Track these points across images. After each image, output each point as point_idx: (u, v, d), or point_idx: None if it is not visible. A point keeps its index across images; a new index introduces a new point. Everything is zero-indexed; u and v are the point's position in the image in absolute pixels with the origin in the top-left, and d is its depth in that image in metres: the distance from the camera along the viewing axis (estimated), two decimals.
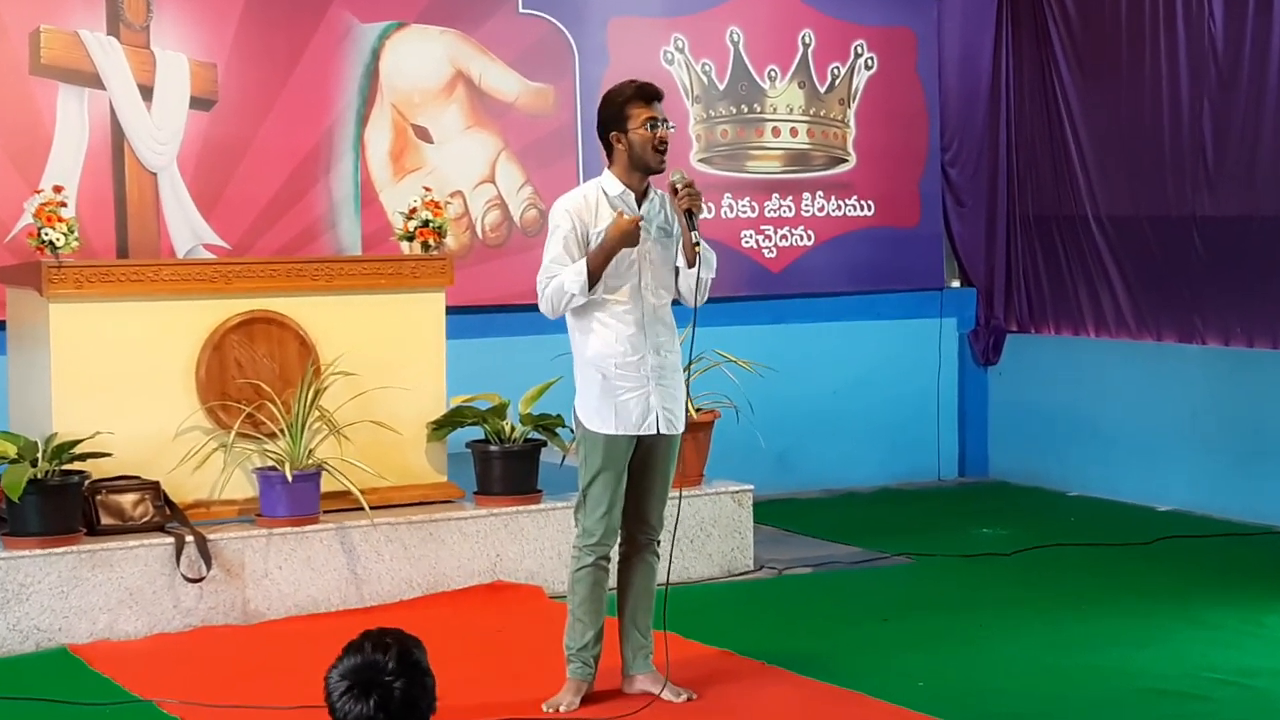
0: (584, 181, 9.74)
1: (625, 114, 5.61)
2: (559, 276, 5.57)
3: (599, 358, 5.65)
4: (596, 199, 5.66)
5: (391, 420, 7.54)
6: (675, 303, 5.88)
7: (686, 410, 7.87)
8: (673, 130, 5.67)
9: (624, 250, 5.57)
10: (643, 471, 5.74)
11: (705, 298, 5.71)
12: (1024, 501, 10.27)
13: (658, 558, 5.90)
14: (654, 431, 5.66)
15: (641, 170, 5.64)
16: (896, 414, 10.85)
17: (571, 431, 7.91)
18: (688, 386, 8.05)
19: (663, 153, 5.60)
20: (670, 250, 5.71)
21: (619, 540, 5.86)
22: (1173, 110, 9.95)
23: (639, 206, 5.64)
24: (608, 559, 5.78)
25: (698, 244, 5.55)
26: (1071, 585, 7.82)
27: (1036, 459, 10.72)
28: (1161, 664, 6.44)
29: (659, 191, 5.77)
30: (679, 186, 5.57)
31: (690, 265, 5.62)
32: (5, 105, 8.56)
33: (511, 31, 9.69)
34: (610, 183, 5.69)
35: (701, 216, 5.68)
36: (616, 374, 5.62)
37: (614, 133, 5.65)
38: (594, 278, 5.54)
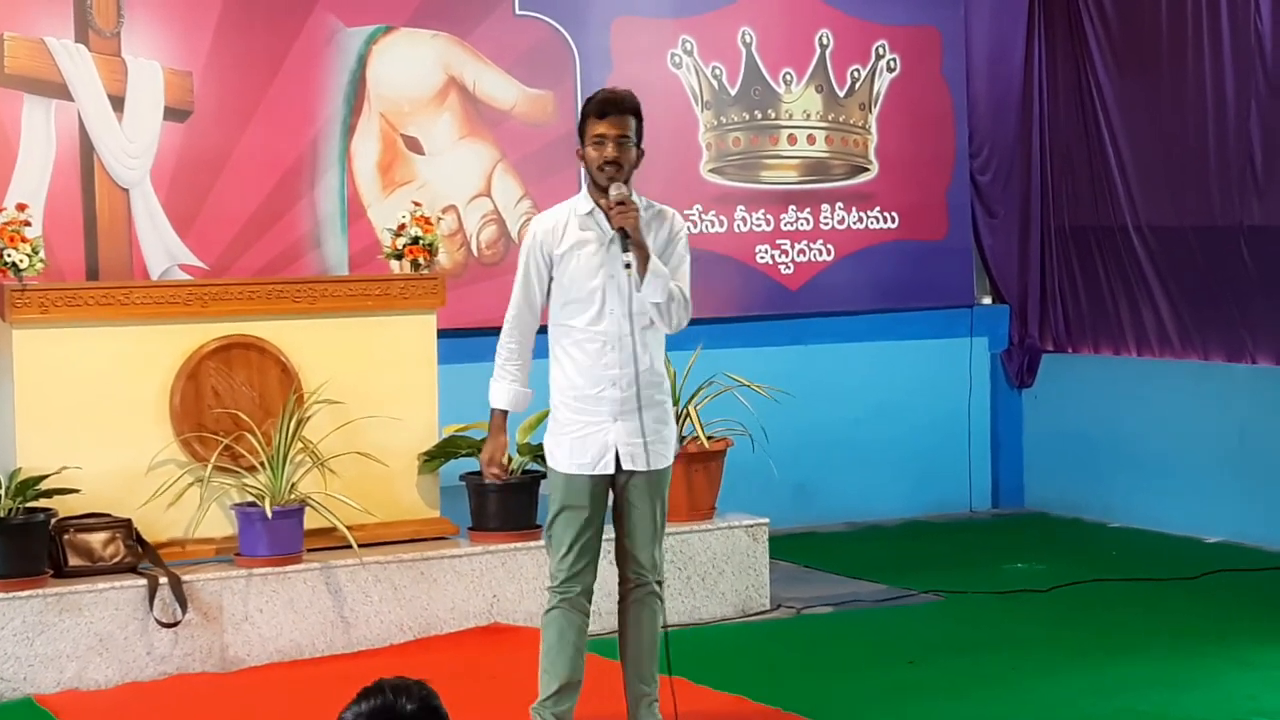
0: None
1: (584, 127, 5.66)
2: (496, 364, 5.85)
3: (556, 390, 5.72)
4: (567, 219, 5.69)
5: (380, 452, 7.53)
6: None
7: (697, 439, 7.99)
8: (635, 149, 5.61)
9: (588, 272, 5.61)
10: (622, 510, 5.74)
11: (680, 321, 5.70)
12: (1062, 534, 10.24)
13: (658, 598, 5.83)
14: (610, 471, 5.65)
15: (599, 186, 5.63)
16: (924, 441, 10.82)
17: None
18: (694, 414, 8.06)
19: (611, 173, 5.56)
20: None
21: (619, 582, 5.85)
22: (1218, 113, 9.93)
23: (611, 225, 5.59)
24: (575, 603, 5.71)
25: (629, 266, 5.51)
26: (1112, 623, 7.79)
27: (1075, 488, 10.69)
28: (1207, 708, 6.39)
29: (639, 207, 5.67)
30: (611, 204, 5.53)
31: (638, 288, 5.59)
32: None
33: (508, 34, 9.70)
34: (582, 201, 5.72)
35: (692, 242, 5.68)
36: (574, 406, 5.66)
37: (578, 147, 5.70)
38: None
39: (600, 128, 5.57)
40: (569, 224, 5.66)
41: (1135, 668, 6.97)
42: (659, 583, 5.84)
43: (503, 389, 5.83)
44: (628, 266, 5.51)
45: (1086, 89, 10.72)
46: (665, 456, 5.75)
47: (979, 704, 6.50)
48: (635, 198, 5.59)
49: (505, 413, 5.86)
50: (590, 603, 5.79)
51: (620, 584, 5.86)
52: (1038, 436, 11.07)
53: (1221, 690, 6.63)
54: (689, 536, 7.97)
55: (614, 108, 5.60)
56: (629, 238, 5.50)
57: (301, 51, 9.23)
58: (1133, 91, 10.47)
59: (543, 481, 7.68)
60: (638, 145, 5.63)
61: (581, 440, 5.63)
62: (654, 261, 5.56)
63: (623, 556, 5.80)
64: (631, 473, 5.66)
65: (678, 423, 8.07)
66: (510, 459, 5.77)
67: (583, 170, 5.88)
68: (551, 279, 5.70)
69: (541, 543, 7.52)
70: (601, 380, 5.61)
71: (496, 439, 5.87)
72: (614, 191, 5.53)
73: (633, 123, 5.61)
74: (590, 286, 5.61)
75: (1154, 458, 10.19)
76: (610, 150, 5.54)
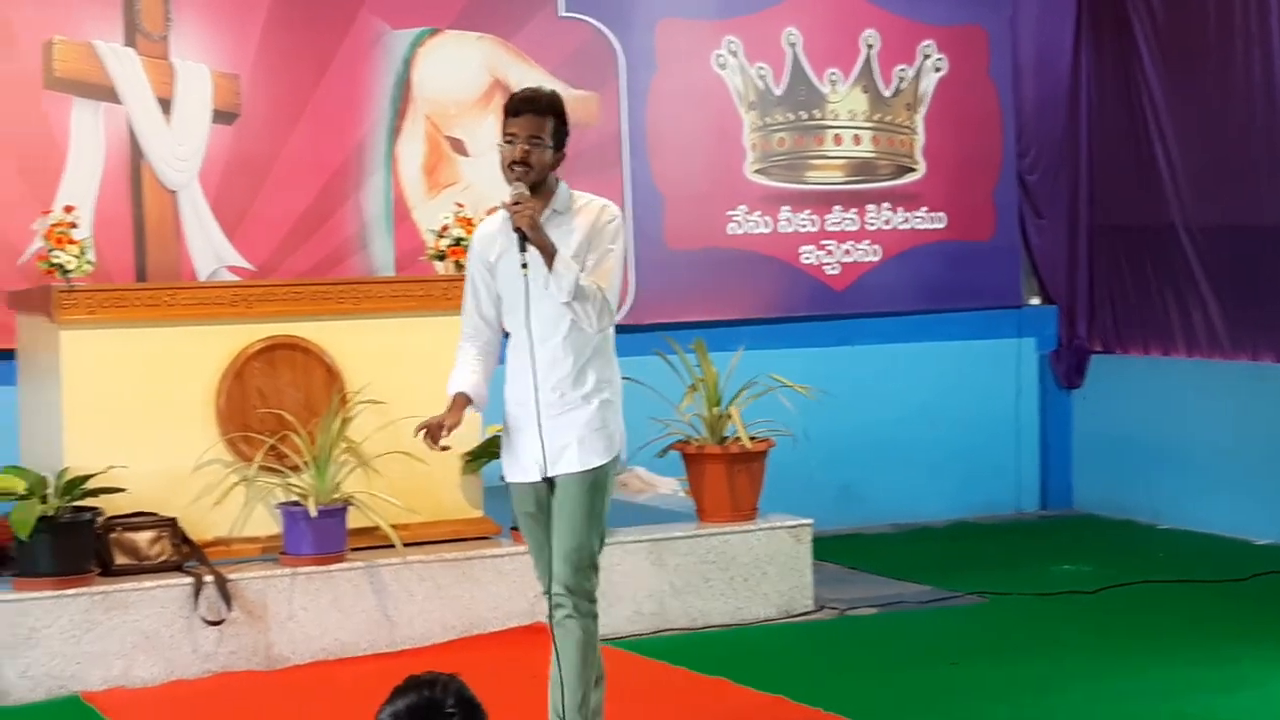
0: (631, 197, 9.95)
1: (503, 125, 5.40)
2: (457, 358, 5.54)
3: (506, 400, 5.48)
4: (500, 224, 5.42)
5: (423, 451, 7.53)
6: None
7: (739, 440, 8.03)
8: (547, 149, 5.30)
9: (508, 279, 5.36)
10: (548, 519, 5.47)
11: (597, 321, 5.30)
12: (1110, 535, 10.21)
13: (575, 621, 5.43)
14: (537, 478, 5.39)
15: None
16: (971, 442, 10.83)
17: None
18: (736, 414, 8.06)
19: (519, 174, 5.28)
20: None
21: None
22: (1267, 108, 9.89)
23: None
24: (553, 614, 5.44)
25: (525, 266, 5.23)
26: (1159, 626, 7.77)
27: (1123, 489, 10.67)
28: (1255, 712, 6.37)
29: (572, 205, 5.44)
30: (508, 205, 5.28)
31: (544, 288, 5.29)
32: (17, 121, 8.71)
33: (552, 36, 9.77)
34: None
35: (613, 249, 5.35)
36: (515, 413, 5.43)
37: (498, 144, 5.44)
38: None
39: (512, 126, 5.30)
40: (504, 228, 5.38)
41: (1182, 671, 6.95)
42: (577, 604, 5.44)
43: (459, 376, 5.49)
44: (524, 267, 5.24)
45: (1134, 87, 10.70)
46: (573, 462, 5.38)
47: (1022, 706, 6.49)
48: (564, 194, 5.36)
49: (465, 396, 5.46)
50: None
51: (548, 596, 5.52)
52: (1086, 437, 11.05)
53: (1270, 694, 6.59)
54: (730, 537, 8.01)
55: (529, 106, 5.32)
56: (525, 238, 5.23)
57: (348, 54, 9.33)
58: (1181, 89, 10.44)
59: None
60: (557, 148, 5.33)
61: (520, 447, 5.43)
62: (559, 259, 5.24)
63: (547, 570, 5.48)
64: (556, 479, 5.39)
65: (720, 423, 8.15)
66: (446, 433, 5.37)
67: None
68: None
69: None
70: (529, 385, 5.34)
71: (449, 413, 5.42)
72: (512, 191, 5.26)
73: (550, 124, 5.31)
74: (514, 288, 5.36)
75: (1203, 459, 10.16)
76: (518, 150, 5.27)
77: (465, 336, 5.56)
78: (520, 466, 5.46)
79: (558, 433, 5.37)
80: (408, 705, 3.39)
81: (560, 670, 5.42)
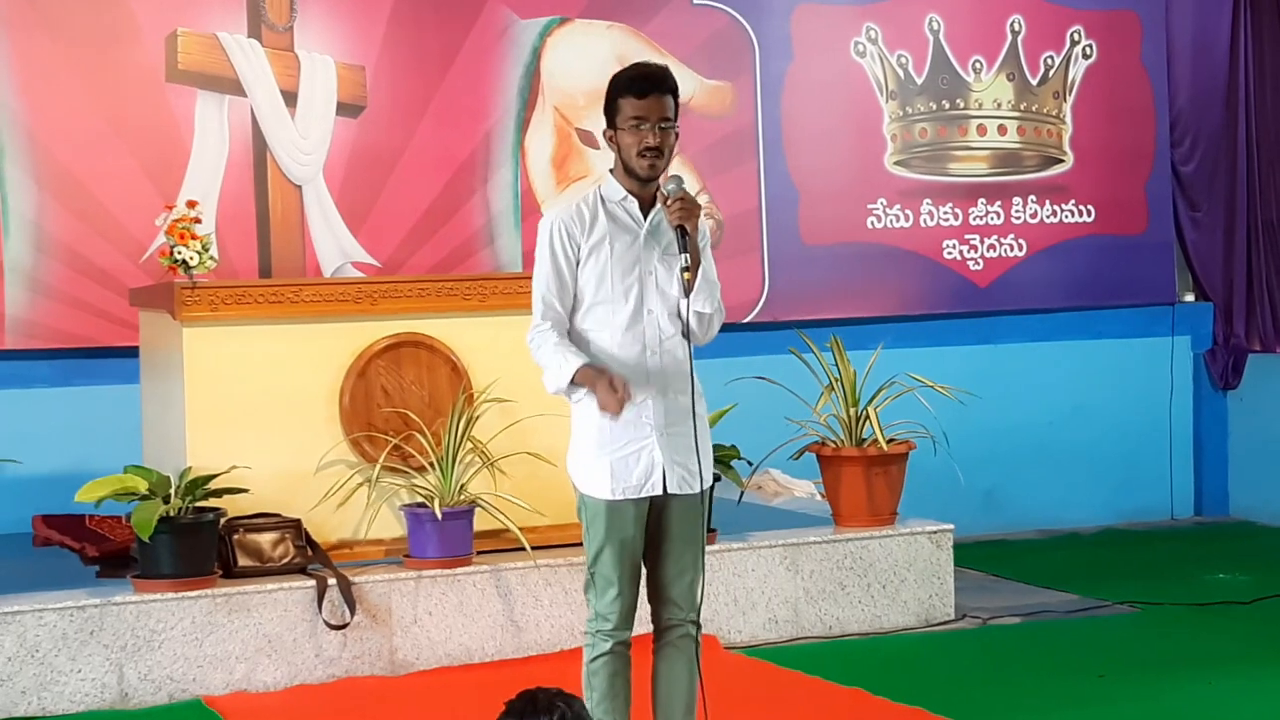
0: (765, 191, 9.90)
1: (616, 107, 5.08)
2: (543, 350, 5.11)
3: (593, 403, 5.06)
4: (594, 206, 5.13)
5: (549, 452, 7.56)
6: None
7: (877, 442, 7.95)
8: (674, 132, 5.09)
9: (622, 268, 5.10)
10: (658, 539, 5.19)
11: (710, 334, 5.16)
12: (1268, 543, 10.06)
13: (694, 642, 5.30)
14: (658, 492, 5.10)
15: (632, 176, 5.11)
16: (1122, 445, 10.71)
17: (749, 464, 7.96)
18: (874, 416, 8.00)
19: (651, 160, 5.04)
20: (677, 272, 5.12)
21: (653, 622, 5.34)
22: None
23: (645, 216, 5.13)
24: (628, 645, 5.22)
25: (687, 269, 4.97)
26: None
27: None
28: None
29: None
30: (670, 199, 5.02)
31: (686, 294, 5.06)
32: (140, 114, 8.82)
33: (685, 24, 9.75)
34: (610, 187, 5.16)
35: (710, 239, 5.18)
36: (612, 423, 5.05)
37: (606, 129, 5.15)
38: (571, 393, 5.07)
39: (639, 109, 5.02)
40: (597, 214, 5.11)
41: None
42: (694, 624, 5.31)
43: (571, 352, 5.06)
44: (685, 270, 4.98)
45: None
46: (708, 478, 5.22)
47: None
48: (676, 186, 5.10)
49: (590, 365, 5.05)
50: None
51: (654, 627, 5.34)
52: (1243, 441, 10.89)
53: None
54: (869, 542, 7.94)
55: (656, 85, 5.05)
56: (687, 236, 5.00)
57: (475, 44, 9.36)
58: None
59: (716, 484, 7.74)
60: (675, 130, 5.12)
61: (624, 461, 5.08)
62: (705, 266, 5.08)
63: (656, 595, 5.28)
64: (672, 496, 5.13)
65: (858, 425, 8.09)
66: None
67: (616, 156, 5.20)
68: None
69: (715, 547, 7.60)
70: (644, 389, 5.06)
71: (602, 376, 5.00)
72: (672, 186, 5.02)
73: (672, 104, 5.08)
74: (625, 284, 5.09)
75: None
76: (651, 136, 5.02)
77: (549, 323, 5.13)
78: (628, 483, 5.09)
79: (675, 444, 5.11)
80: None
81: (677, 686, 5.31)
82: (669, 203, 5.01)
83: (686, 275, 5.00)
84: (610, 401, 4.95)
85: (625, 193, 5.13)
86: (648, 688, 5.39)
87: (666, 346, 5.11)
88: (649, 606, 5.30)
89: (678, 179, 5.09)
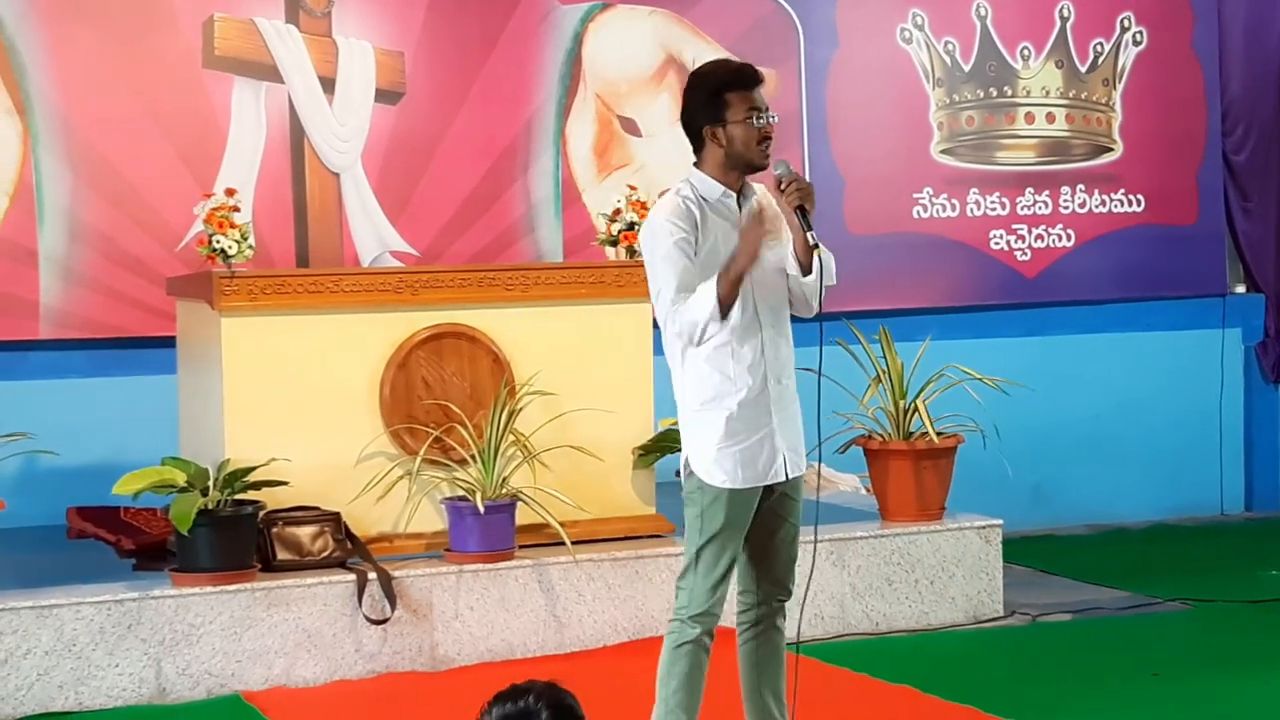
0: (810, 176, 9.86)
1: (722, 102, 5.15)
2: (689, 304, 5.10)
3: (720, 396, 5.19)
4: (699, 205, 5.19)
5: (593, 445, 7.59)
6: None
7: (926, 435, 7.93)
8: (774, 121, 5.19)
9: (727, 254, 5.13)
10: (772, 525, 5.31)
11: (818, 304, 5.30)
12: None
13: (781, 630, 5.46)
14: (781, 479, 5.24)
15: (741, 169, 5.21)
16: (1172, 439, 10.66)
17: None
18: (923, 408, 7.98)
19: (767, 149, 5.17)
20: (779, 256, 5.23)
21: (747, 607, 5.44)
22: None
23: (740, 209, 5.22)
24: (713, 636, 5.30)
25: (815, 246, 5.11)
26: None
27: None
28: None
29: (756, 188, 5.33)
30: (785, 181, 5.12)
31: (806, 272, 5.19)
32: (177, 100, 8.83)
33: (729, 10, 9.73)
34: (706, 184, 5.22)
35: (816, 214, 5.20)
36: (739, 414, 5.18)
37: (707, 126, 5.20)
38: (725, 308, 5.07)
39: (752, 100, 5.15)
40: (704, 212, 5.18)
41: None
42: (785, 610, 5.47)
43: (696, 296, 5.09)
44: (815, 246, 5.10)
45: None
46: (803, 463, 5.37)
47: None
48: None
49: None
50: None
51: (758, 609, 5.42)
52: None
53: None
54: (916, 537, 7.92)
55: (755, 78, 5.22)
56: (807, 215, 5.11)
57: (515, 30, 9.35)
58: None
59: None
60: None
61: (750, 450, 5.19)
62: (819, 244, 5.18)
63: (767, 579, 5.38)
64: (785, 482, 5.27)
65: (905, 418, 8.06)
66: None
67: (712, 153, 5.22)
68: None
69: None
70: (764, 378, 5.20)
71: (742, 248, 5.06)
72: (783, 170, 5.14)
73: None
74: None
75: None
76: (769, 125, 5.15)
77: (681, 298, 5.13)
78: (755, 470, 5.20)
79: (788, 430, 5.26)
80: (502, 715, 3.43)
81: (778, 663, 5.42)
82: (783, 185, 5.13)
83: (815, 252, 5.12)
84: (753, 242, 5.00)
85: (723, 189, 5.22)
86: (723, 685, 5.42)
87: (776, 330, 5.25)
88: (748, 593, 5.40)
89: (785, 163, 5.21)
